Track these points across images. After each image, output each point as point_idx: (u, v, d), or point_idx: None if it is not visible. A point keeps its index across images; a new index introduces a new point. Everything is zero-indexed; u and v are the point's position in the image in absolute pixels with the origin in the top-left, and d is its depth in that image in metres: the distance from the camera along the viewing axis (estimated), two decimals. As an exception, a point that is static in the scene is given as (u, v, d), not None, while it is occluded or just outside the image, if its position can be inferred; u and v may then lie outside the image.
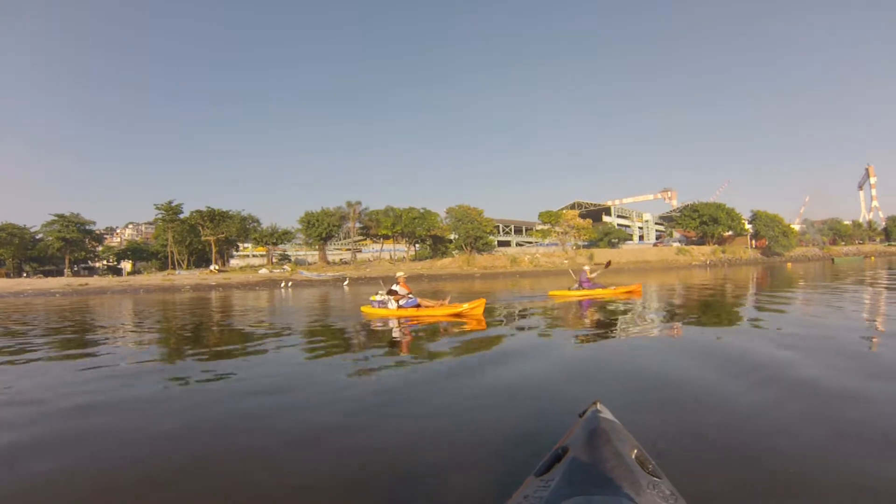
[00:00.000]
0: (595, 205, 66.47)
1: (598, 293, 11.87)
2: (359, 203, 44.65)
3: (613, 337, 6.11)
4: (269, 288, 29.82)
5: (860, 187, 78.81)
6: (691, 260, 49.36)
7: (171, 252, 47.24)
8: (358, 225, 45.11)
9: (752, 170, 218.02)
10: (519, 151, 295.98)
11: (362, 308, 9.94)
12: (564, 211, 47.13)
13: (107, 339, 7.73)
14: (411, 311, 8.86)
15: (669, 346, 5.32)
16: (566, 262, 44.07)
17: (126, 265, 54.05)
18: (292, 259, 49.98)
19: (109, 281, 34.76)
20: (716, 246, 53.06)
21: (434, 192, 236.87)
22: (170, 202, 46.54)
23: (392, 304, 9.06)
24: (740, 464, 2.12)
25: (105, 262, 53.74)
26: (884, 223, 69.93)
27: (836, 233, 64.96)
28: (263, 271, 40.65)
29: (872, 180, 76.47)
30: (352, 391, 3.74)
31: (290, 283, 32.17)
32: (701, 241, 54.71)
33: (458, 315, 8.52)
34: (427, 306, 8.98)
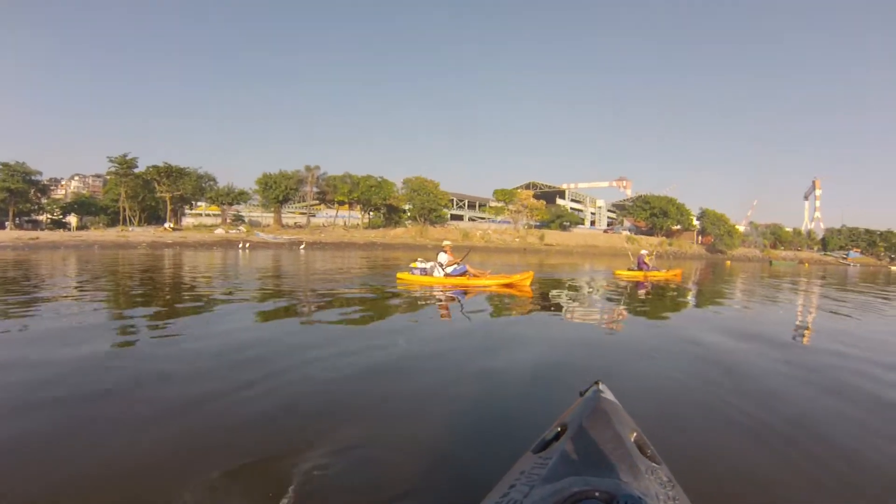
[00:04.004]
0: (550, 186, 67.81)
1: (655, 275, 13.59)
2: (317, 168, 44.77)
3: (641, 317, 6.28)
4: (225, 248, 29.70)
5: (806, 198, 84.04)
6: (638, 249, 51.58)
7: (124, 208, 45.88)
8: (315, 189, 45.14)
9: (707, 169, 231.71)
10: (478, 128, 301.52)
11: (398, 275, 9.55)
12: (519, 190, 48.48)
13: (80, 297, 6.82)
14: (460, 280, 8.66)
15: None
16: (517, 240, 45.43)
17: (72, 219, 52.03)
18: (246, 220, 49.42)
19: (61, 235, 33.63)
20: (664, 238, 55.58)
21: (391, 162, 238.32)
22: (124, 155, 45.15)
23: (438, 272, 8.88)
24: (741, 453, 2.14)
25: (50, 216, 51.54)
26: (823, 234, 74.74)
27: (777, 237, 68.89)
28: (219, 231, 40.23)
29: (818, 192, 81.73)
30: (360, 357, 3.63)
31: (247, 245, 32.20)
32: (650, 232, 57.15)
33: (507, 286, 8.62)
34: (475, 275, 8.88)
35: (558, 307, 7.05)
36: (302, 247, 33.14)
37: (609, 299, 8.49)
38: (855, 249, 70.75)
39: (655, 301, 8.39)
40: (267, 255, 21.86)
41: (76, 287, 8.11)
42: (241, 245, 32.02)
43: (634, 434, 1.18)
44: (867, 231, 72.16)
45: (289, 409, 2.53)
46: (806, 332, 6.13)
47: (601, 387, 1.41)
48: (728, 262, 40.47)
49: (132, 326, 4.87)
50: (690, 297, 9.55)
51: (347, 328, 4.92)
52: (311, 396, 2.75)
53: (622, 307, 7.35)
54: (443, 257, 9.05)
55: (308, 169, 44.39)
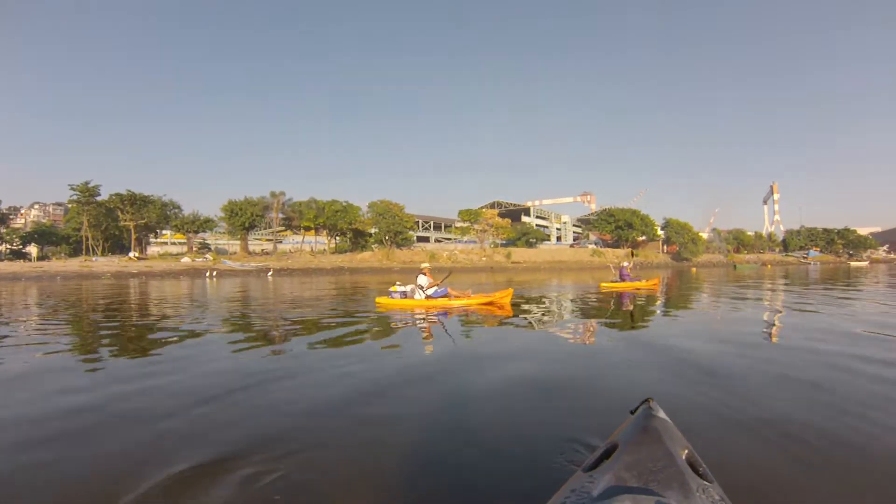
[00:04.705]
0: (515, 205, 69.20)
1: (637, 285, 14.48)
2: (283, 193, 44.89)
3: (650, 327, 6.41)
4: (193, 277, 29.59)
5: (765, 202, 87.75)
6: (605, 262, 53.01)
7: (86, 237, 45.07)
8: (281, 216, 45.22)
9: (669, 179, 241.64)
10: (443, 149, 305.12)
11: (377, 299, 9.50)
12: (484, 210, 49.35)
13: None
14: (442, 301, 8.86)
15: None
16: (484, 259, 46.28)
17: (32, 249, 50.79)
18: (212, 248, 49.11)
19: (21, 266, 33.04)
20: (630, 249, 57.23)
21: (357, 186, 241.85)
22: (86, 183, 44.30)
23: (419, 295, 8.99)
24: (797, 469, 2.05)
25: (9, 246, 50.20)
26: (783, 236, 78.01)
27: (740, 242, 71.56)
28: (186, 260, 39.90)
29: (776, 196, 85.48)
30: (393, 384, 3.55)
31: (215, 273, 32.21)
32: (616, 245, 58.77)
33: (489, 304, 8.89)
34: (456, 296, 9.11)
35: (560, 325, 6.88)
36: (270, 273, 33.33)
37: (597, 312, 8.50)
38: (814, 248, 74.01)
39: (641, 313, 8.52)
40: (235, 283, 21.79)
41: (37, 318, 8.17)
42: (208, 273, 32.12)
43: (686, 451, 1.17)
44: (825, 230, 75.55)
45: (295, 440, 2.42)
46: (816, 334, 5.89)
47: (652, 404, 1.39)
48: (694, 270, 41.62)
49: (98, 358, 4.80)
50: (684, 304, 9.89)
51: (340, 355, 4.68)
52: (330, 430, 2.59)
53: (615, 320, 7.41)
54: (422, 280, 9.15)
55: (273, 195, 44.51)
